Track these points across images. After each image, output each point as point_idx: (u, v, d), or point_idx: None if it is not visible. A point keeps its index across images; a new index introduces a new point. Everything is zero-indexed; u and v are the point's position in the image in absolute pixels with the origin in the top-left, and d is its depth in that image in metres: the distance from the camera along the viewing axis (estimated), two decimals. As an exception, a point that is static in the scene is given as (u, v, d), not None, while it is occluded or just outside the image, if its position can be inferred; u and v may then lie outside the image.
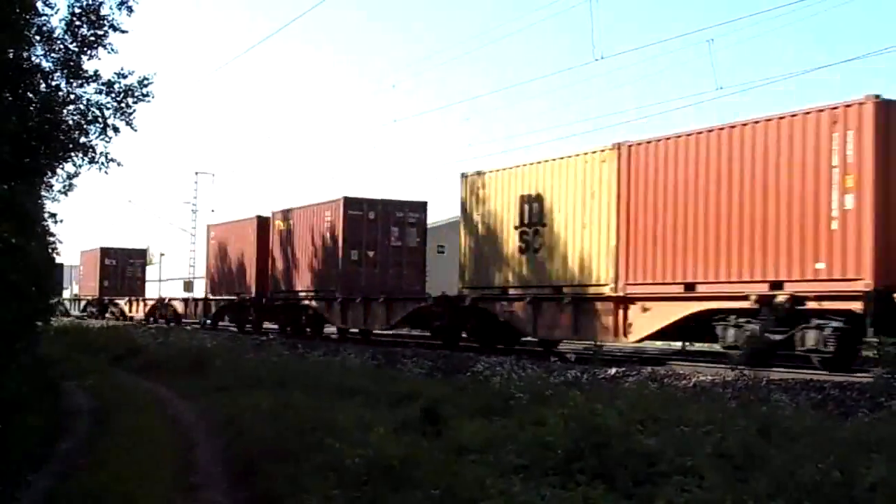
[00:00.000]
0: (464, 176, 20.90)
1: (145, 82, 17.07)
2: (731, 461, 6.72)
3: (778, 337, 13.60)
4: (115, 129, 17.11)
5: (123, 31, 16.68)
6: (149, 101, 17.28)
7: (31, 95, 16.13)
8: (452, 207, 26.74)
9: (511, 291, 19.07)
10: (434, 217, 31.01)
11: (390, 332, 24.54)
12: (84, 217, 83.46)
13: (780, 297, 13.45)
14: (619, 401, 8.87)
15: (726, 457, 6.81)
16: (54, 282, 13.49)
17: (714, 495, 5.77)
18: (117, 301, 46.29)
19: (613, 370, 13.65)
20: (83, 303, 51.16)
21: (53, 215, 16.94)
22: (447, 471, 6.79)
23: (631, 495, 6.24)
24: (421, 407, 9.56)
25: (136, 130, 17.43)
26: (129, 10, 16.54)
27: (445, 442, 8.16)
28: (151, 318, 39.84)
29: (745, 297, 13.91)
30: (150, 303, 42.77)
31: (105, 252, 49.32)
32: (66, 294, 54.85)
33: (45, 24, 16.22)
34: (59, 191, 18.22)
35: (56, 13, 16.35)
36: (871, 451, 6.51)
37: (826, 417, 9.12)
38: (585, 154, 17.47)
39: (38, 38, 16.11)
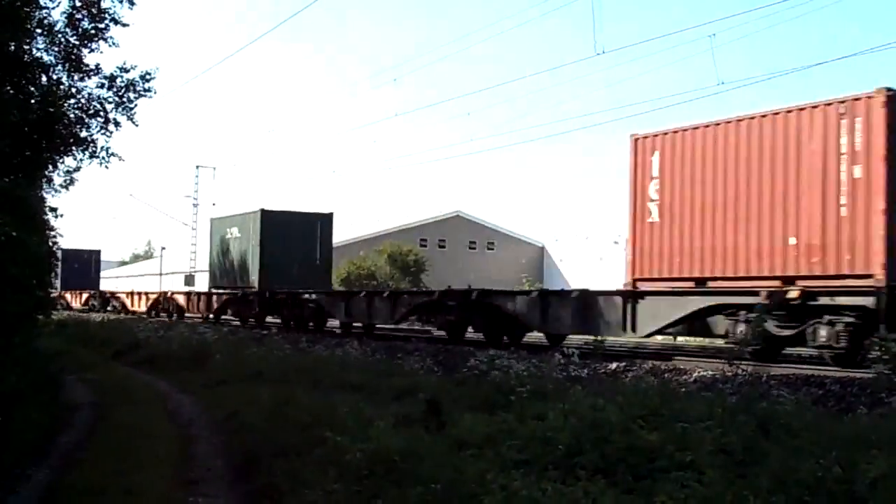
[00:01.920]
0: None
1: (147, 77, 17.10)
2: (731, 457, 6.71)
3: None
4: (117, 124, 17.16)
5: (125, 25, 16.71)
6: (150, 97, 17.35)
7: (32, 89, 16.15)
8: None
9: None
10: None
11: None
12: (85, 211, 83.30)
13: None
14: (620, 396, 8.86)
15: (726, 452, 6.80)
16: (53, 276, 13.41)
17: (714, 491, 5.76)
18: None
19: (614, 365, 13.64)
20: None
21: (54, 209, 16.97)
22: (448, 465, 6.78)
23: (631, 490, 6.23)
24: (425, 399, 9.55)
25: (137, 125, 17.47)
26: (131, 3, 16.58)
27: (446, 436, 8.16)
28: None
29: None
30: None
31: None
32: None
33: (46, 17, 16.26)
34: (60, 185, 18.26)
35: (57, 6, 16.39)
36: (872, 447, 6.50)
37: (826, 413, 9.11)
38: None
39: (39, 31, 16.13)
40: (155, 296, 40.05)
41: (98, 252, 56.75)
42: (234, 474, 8.79)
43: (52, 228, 15.00)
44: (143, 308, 39.81)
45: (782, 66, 76.63)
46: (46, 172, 17.61)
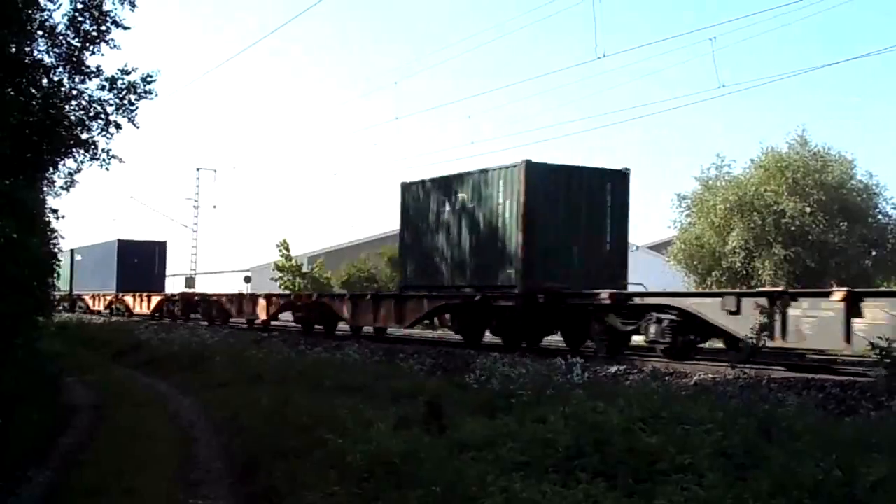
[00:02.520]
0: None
1: (149, 79, 17.08)
2: (731, 460, 6.71)
3: None
4: (118, 126, 17.12)
5: (126, 27, 16.69)
6: (152, 99, 17.30)
7: (33, 90, 16.12)
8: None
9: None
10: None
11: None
12: (86, 212, 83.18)
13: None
14: (621, 399, 8.86)
15: (727, 455, 6.80)
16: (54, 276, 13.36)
17: (714, 494, 5.76)
18: None
19: (615, 368, 13.63)
20: None
21: (55, 211, 16.97)
22: (448, 468, 6.78)
23: (632, 493, 6.23)
24: (424, 400, 9.54)
25: (138, 127, 17.45)
26: (132, 5, 16.55)
27: (446, 439, 8.15)
28: None
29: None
30: None
31: None
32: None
33: (47, 20, 16.23)
34: (61, 186, 18.22)
35: (58, 8, 16.35)
36: (873, 451, 6.50)
37: (827, 416, 9.11)
38: None
39: (40, 33, 16.11)
40: (281, 301, 28.03)
41: (164, 244, 44.80)
42: (234, 476, 8.79)
43: (52, 230, 15.01)
44: (263, 317, 27.65)
45: (784, 69, 77.09)
46: (47, 174, 17.60)
